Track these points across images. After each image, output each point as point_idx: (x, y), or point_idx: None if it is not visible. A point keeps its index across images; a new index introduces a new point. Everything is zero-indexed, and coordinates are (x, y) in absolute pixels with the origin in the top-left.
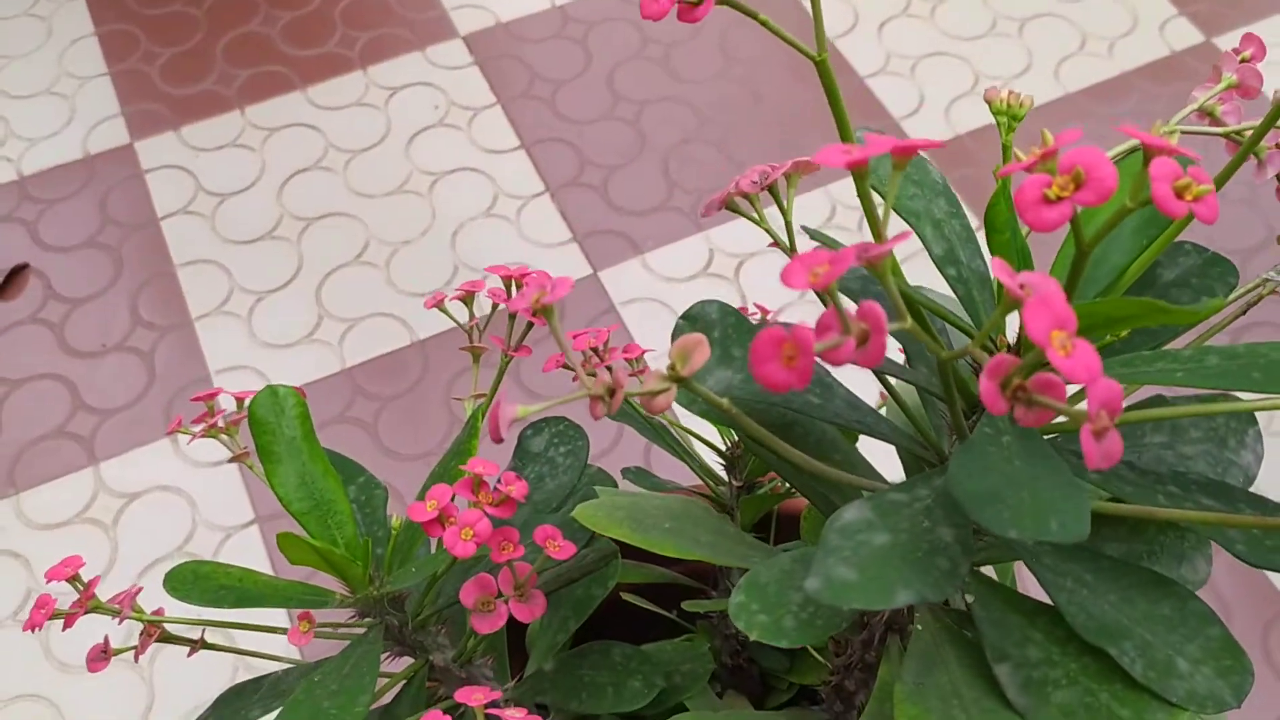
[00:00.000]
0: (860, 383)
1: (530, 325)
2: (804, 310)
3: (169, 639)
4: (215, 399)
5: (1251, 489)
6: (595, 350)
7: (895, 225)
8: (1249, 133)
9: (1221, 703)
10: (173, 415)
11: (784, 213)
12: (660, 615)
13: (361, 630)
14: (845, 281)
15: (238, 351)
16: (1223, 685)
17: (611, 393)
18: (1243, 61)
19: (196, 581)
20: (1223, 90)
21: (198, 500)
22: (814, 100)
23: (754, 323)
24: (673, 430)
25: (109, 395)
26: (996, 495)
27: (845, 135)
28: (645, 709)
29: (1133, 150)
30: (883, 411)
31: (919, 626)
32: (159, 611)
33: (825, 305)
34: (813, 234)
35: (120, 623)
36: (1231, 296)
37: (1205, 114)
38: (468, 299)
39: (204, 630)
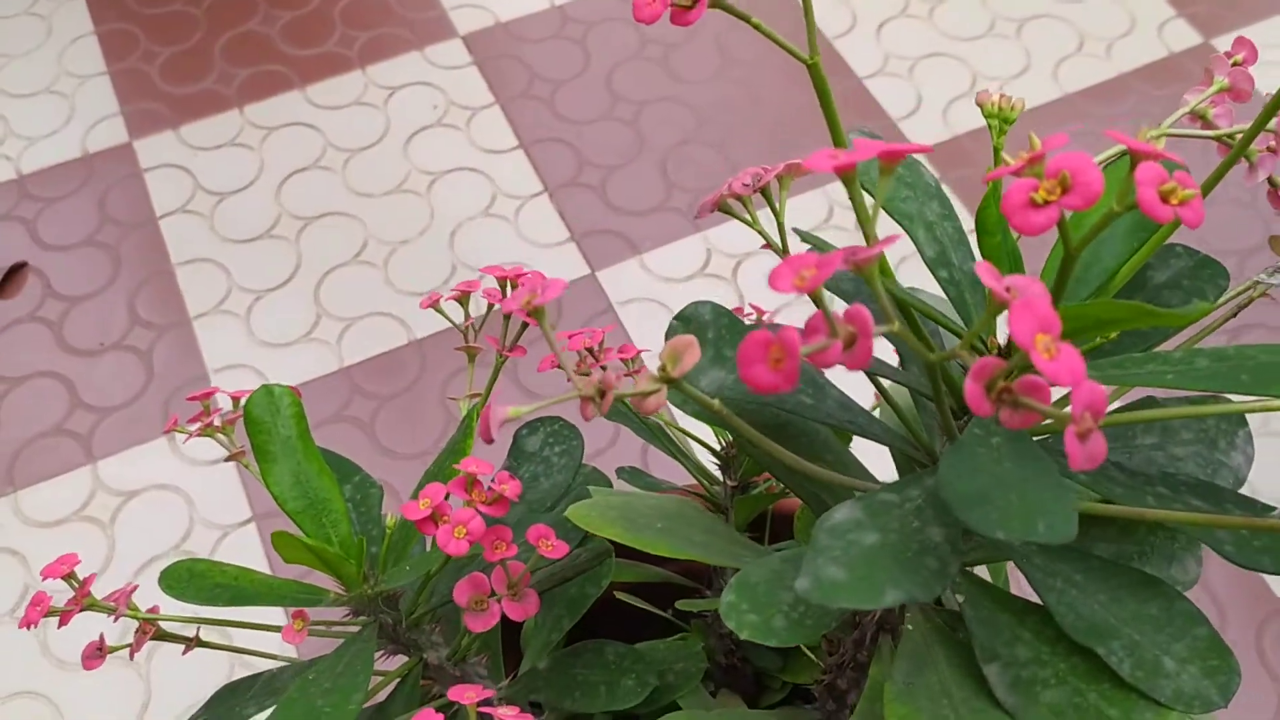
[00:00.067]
0: (855, 384)
1: (525, 325)
2: (801, 311)
3: (164, 637)
4: (211, 398)
5: (1244, 490)
6: (590, 351)
7: (891, 227)
8: (1241, 136)
9: (1208, 702)
10: (171, 414)
11: (776, 215)
12: (655, 614)
13: (356, 628)
14: (839, 284)
15: (236, 350)
16: (1209, 685)
17: (602, 393)
18: (1234, 65)
19: (192, 580)
20: (1214, 93)
21: (195, 499)
22: (813, 102)
23: (748, 324)
24: (668, 430)
25: (107, 393)
26: (985, 496)
27: (837, 138)
28: (638, 707)
29: (1124, 154)
30: (876, 413)
31: (910, 626)
32: (154, 609)
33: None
34: (804, 236)
35: (115, 620)
36: (1222, 299)
37: (1197, 117)
38: (463, 299)
39: (199, 628)
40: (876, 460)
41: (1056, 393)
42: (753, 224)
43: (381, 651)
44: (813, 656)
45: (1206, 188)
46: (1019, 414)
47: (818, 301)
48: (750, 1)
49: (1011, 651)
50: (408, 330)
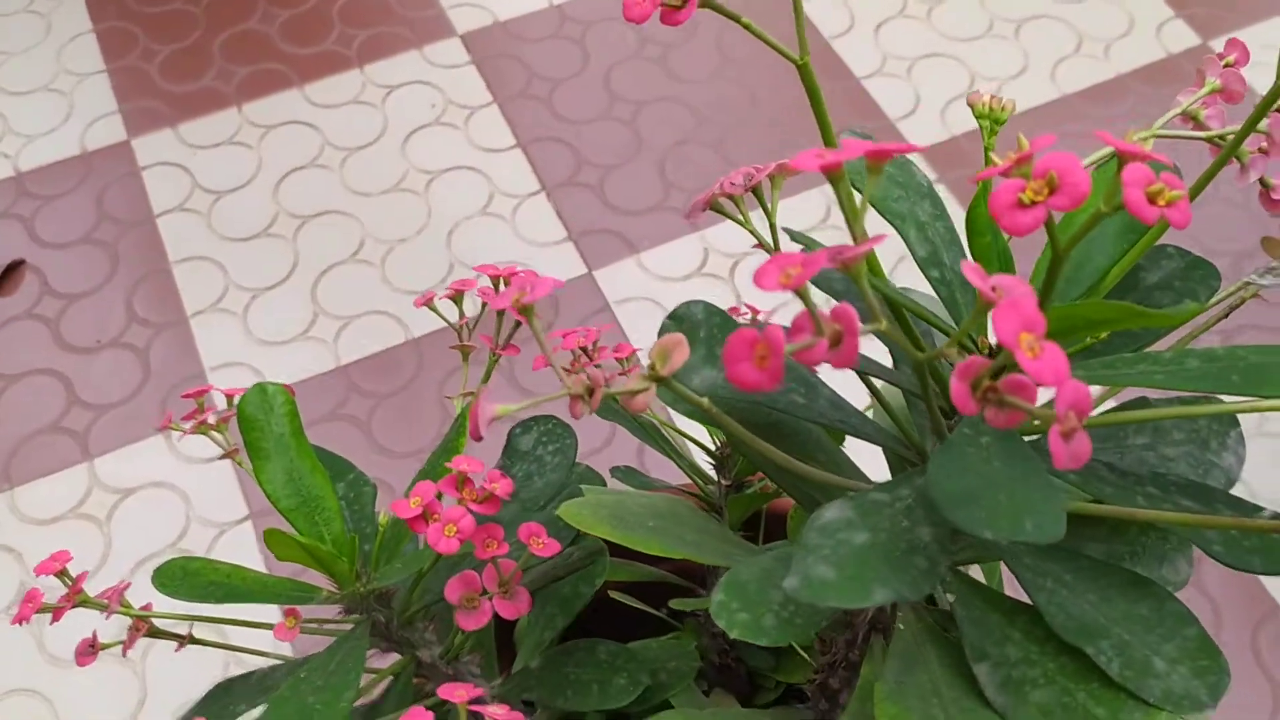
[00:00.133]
0: (850, 384)
1: (519, 324)
2: (798, 311)
3: (157, 634)
4: (206, 396)
5: (1240, 492)
6: (584, 349)
7: (884, 228)
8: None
9: (1198, 702)
10: (168, 412)
11: (768, 214)
12: (649, 613)
13: (349, 626)
14: (831, 283)
15: (233, 348)
16: (1199, 685)
17: (591, 392)
18: (1226, 66)
19: (185, 577)
20: (1206, 94)
21: (191, 496)
22: None
23: (741, 323)
24: (663, 430)
25: (104, 391)
26: (973, 496)
27: (827, 138)
28: (630, 706)
29: (1114, 155)
30: (869, 413)
31: (902, 626)
32: (147, 607)
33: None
34: (794, 236)
35: (108, 617)
36: (1214, 299)
37: (1189, 118)
38: (457, 298)
39: (191, 625)
40: (871, 460)
41: (1048, 394)
42: (744, 223)
43: (374, 649)
44: (806, 656)
45: (1196, 189)
46: (1004, 413)
47: (804, 300)
48: (747, 1)
49: (1001, 651)
50: (405, 329)
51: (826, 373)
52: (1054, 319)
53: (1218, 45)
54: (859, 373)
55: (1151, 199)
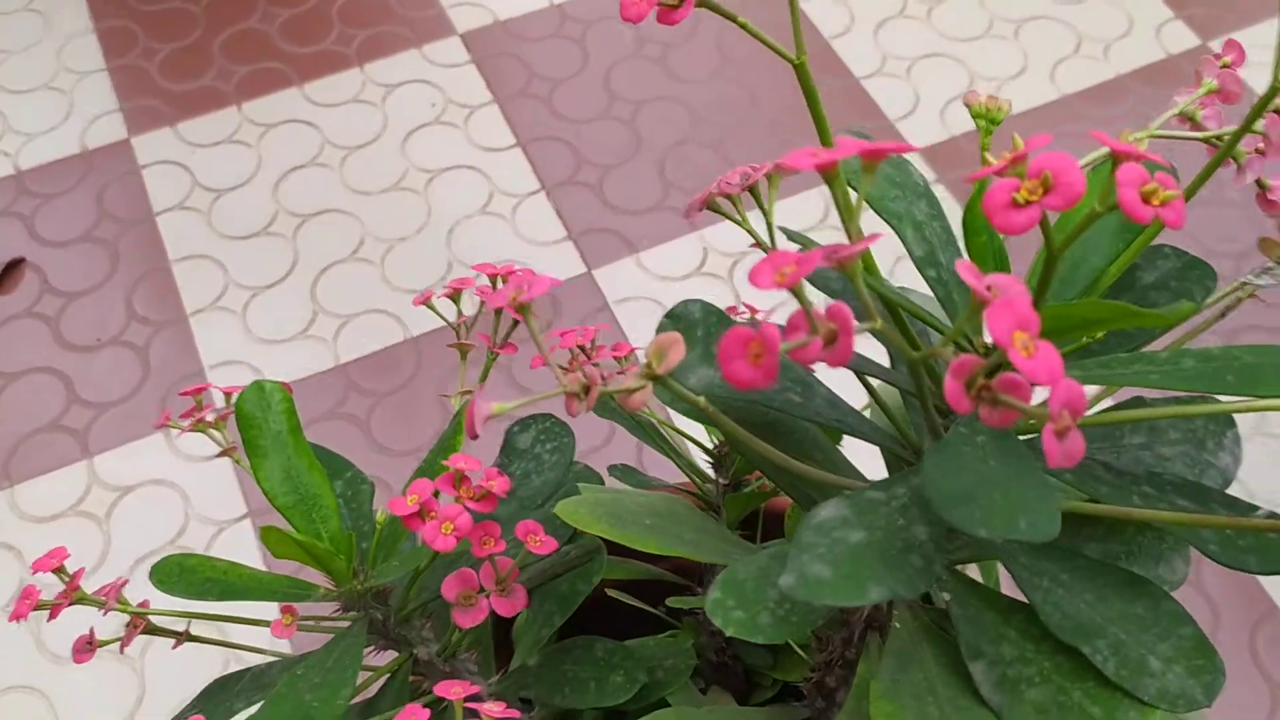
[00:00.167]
0: (848, 383)
1: (516, 323)
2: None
3: (155, 631)
4: (205, 394)
5: (1238, 492)
6: (583, 348)
7: (880, 227)
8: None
9: (1193, 701)
10: (166, 409)
11: (765, 214)
12: (647, 611)
13: (346, 624)
14: (828, 283)
15: (232, 347)
16: (1194, 684)
17: (586, 390)
18: (1223, 67)
19: (183, 574)
20: (1203, 95)
21: (190, 494)
22: None
23: (738, 322)
24: (661, 428)
25: (104, 389)
26: (968, 494)
27: (824, 137)
28: (627, 704)
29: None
30: (866, 413)
31: (898, 624)
32: (145, 604)
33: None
34: (791, 235)
35: (105, 614)
36: (1211, 299)
37: (1186, 119)
38: (455, 296)
39: (189, 623)
40: (869, 460)
41: (1043, 393)
42: (741, 223)
43: (372, 647)
44: (802, 654)
45: (1191, 189)
46: (998, 411)
47: (799, 298)
48: (746, 1)
49: (997, 649)
50: (404, 327)
51: (823, 372)
52: (1049, 318)
53: (1217, 46)
54: (856, 372)
55: (1146, 199)
